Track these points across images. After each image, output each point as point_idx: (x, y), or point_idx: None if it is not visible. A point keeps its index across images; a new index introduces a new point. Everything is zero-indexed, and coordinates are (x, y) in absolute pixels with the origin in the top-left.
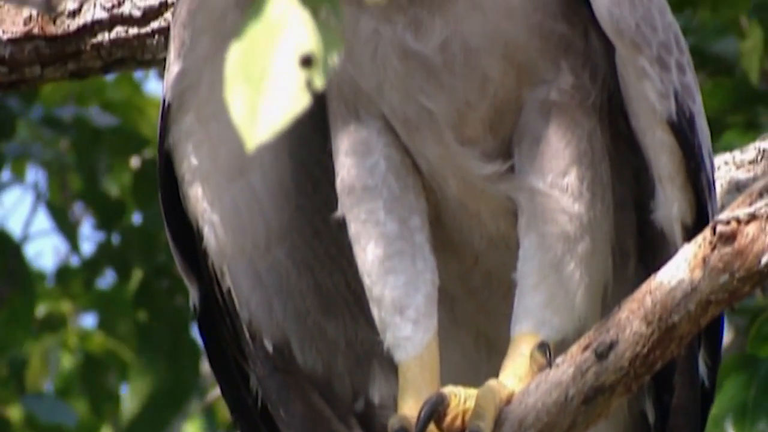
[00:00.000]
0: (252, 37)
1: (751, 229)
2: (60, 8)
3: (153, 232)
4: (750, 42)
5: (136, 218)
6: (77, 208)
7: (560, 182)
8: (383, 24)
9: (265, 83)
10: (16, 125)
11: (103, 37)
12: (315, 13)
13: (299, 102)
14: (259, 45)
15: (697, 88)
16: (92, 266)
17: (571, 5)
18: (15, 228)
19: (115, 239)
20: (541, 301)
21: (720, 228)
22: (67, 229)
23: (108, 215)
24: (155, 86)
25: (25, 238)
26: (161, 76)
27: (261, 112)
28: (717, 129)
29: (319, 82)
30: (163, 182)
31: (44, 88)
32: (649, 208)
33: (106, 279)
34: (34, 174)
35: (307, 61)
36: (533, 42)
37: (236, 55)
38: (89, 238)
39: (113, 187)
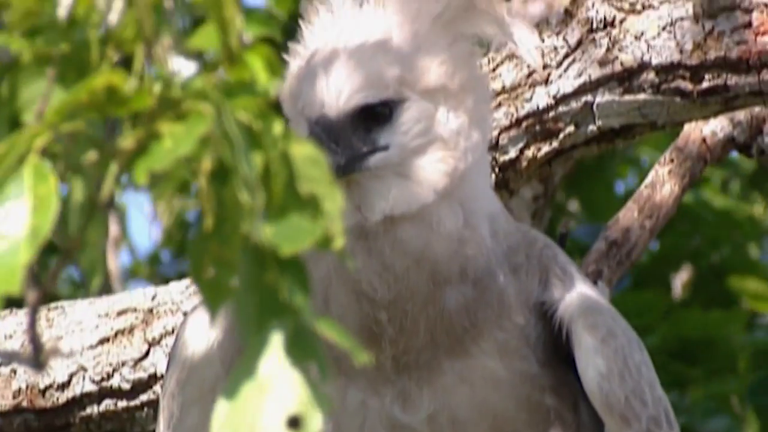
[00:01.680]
0: (239, 395)
1: None
2: (49, 365)
3: None
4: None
5: None
6: None
7: None
8: (371, 396)
9: None
10: None
11: (92, 409)
12: (304, 372)
13: None
14: (247, 403)
15: None
16: None
17: (560, 377)
18: None
19: None
20: None
21: None
22: None
23: None
24: None
25: None
26: None
27: None
28: None
29: None
30: None
31: None
32: None
33: None
34: None
35: (294, 423)
36: (521, 414)
37: (223, 412)
38: None
39: None
